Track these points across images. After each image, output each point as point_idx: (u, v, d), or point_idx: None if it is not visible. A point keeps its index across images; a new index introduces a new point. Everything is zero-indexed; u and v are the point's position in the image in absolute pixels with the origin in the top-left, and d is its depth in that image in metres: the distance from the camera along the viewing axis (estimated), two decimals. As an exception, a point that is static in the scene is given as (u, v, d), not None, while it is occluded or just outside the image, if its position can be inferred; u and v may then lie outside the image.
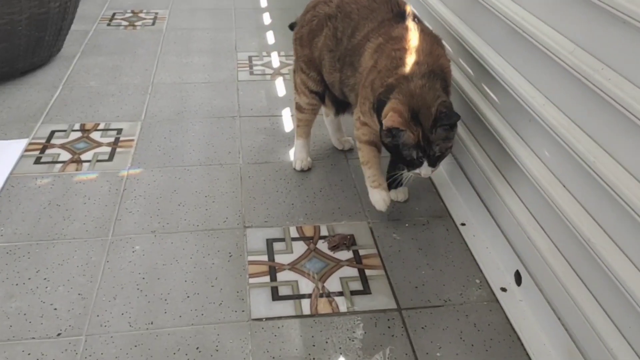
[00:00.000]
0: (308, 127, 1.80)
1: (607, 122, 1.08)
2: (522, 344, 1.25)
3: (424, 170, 1.38)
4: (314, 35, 1.65)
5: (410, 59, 1.41)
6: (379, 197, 1.56)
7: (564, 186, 1.20)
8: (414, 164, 1.38)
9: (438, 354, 1.23)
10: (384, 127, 1.36)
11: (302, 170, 1.80)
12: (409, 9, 1.56)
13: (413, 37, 1.46)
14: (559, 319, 1.20)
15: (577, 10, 1.16)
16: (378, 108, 1.40)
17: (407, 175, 1.44)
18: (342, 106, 1.74)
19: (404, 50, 1.43)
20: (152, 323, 1.28)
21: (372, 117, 1.46)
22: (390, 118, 1.33)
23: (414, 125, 1.33)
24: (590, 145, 1.11)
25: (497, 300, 1.36)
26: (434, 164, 1.38)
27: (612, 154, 1.07)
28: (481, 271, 1.44)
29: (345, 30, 1.57)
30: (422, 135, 1.33)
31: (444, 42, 1.55)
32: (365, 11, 1.55)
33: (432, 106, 1.33)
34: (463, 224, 1.60)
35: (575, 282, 1.15)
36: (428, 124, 1.33)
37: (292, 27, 1.80)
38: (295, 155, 1.83)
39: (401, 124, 1.32)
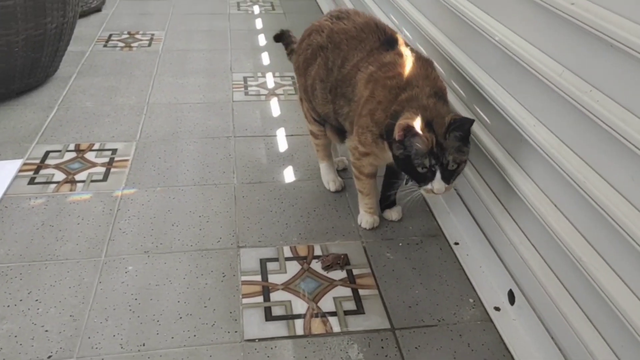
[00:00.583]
0: (327, 149, 1.81)
1: (596, 143, 1.10)
2: (515, 364, 1.25)
3: (437, 184, 1.33)
4: (308, 64, 1.66)
5: (409, 85, 1.41)
6: (370, 220, 1.64)
7: (555, 206, 1.21)
8: (426, 177, 1.33)
9: (432, 375, 1.22)
10: (396, 136, 1.33)
11: (336, 191, 1.81)
12: (397, 35, 1.58)
13: (406, 63, 1.47)
14: (552, 338, 1.20)
15: (565, 33, 1.19)
16: (387, 133, 1.39)
17: (416, 195, 1.39)
18: (344, 134, 1.70)
19: (400, 76, 1.43)
20: (144, 345, 1.27)
21: (376, 145, 1.45)
22: (404, 121, 1.31)
23: (427, 131, 1.32)
24: (580, 165, 1.13)
25: (491, 320, 1.36)
26: (447, 178, 1.33)
27: (601, 173, 1.08)
28: (475, 290, 1.45)
29: (335, 60, 1.57)
30: (436, 142, 1.31)
31: (435, 64, 1.57)
32: (354, 42, 1.55)
33: (445, 116, 1.34)
34: (456, 243, 1.60)
35: (568, 301, 1.15)
36: (441, 131, 1.31)
37: (276, 38, 1.82)
38: (324, 178, 1.84)
39: (415, 122, 1.31)
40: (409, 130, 1.32)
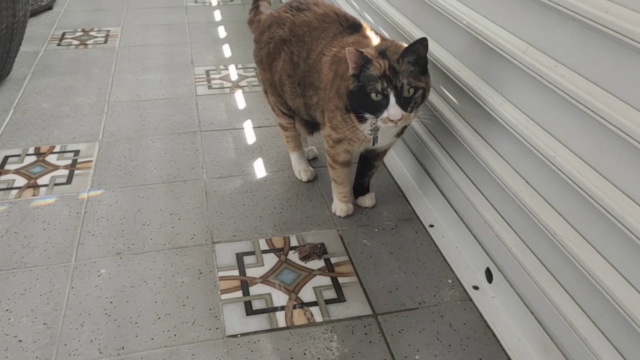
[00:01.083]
0: (297, 140, 1.79)
1: (563, 117, 1.11)
2: (498, 341, 1.27)
3: (392, 109, 1.28)
4: (273, 59, 1.64)
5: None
6: (344, 207, 1.64)
7: (527, 182, 1.23)
8: (380, 105, 1.29)
9: (417, 357, 1.23)
10: (350, 70, 1.31)
11: (308, 181, 1.79)
12: (360, 22, 1.57)
13: (371, 40, 1.46)
14: (532, 313, 1.22)
15: (527, 9, 1.20)
16: (349, 96, 1.36)
17: (375, 129, 1.36)
18: (313, 126, 1.69)
19: (362, 47, 1.41)
20: (123, 348, 1.24)
21: (346, 125, 1.43)
22: (354, 48, 1.29)
23: (380, 58, 1.30)
24: (549, 140, 1.14)
25: (471, 299, 1.38)
26: (404, 105, 1.29)
27: (570, 147, 1.10)
28: (452, 271, 1.46)
29: (300, 54, 1.56)
30: (388, 66, 1.28)
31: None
32: (317, 32, 1.54)
33: (401, 46, 1.33)
34: (431, 226, 1.62)
35: (545, 275, 1.17)
36: (395, 58, 1.30)
37: None
38: (295, 168, 1.82)
39: (366, 52, 1.30)
40: (360, 57, 1.29)
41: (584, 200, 1.04)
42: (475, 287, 1.40)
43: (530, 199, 1.20)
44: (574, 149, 1.09)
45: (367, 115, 1.35)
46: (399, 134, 1.48)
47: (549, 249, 1.15)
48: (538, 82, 1.16)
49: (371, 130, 1.38)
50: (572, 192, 1.07)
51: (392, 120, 1.30)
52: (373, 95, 1.30)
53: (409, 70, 1.30)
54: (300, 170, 1.80)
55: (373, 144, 1.43)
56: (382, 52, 1.31)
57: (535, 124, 1.20)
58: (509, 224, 1.30)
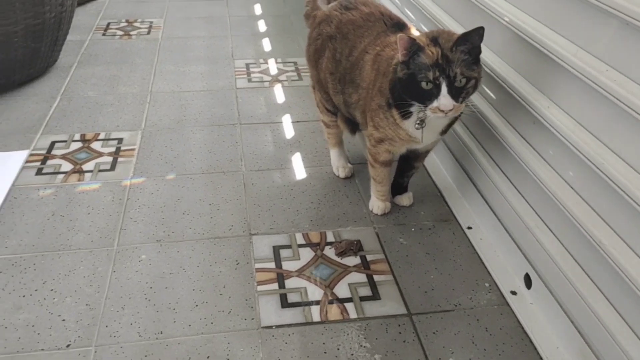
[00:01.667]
0: (339, 137, 1.80)
1: (613, 123, 1.09)
2: (534, 348, 1.25)
3: (443, 99, 1.25)
4: (319, 56, 1.65)
5: None
6: (381, 205, 1.64)
7: (573, 189, 1.21)
8: (431, 94, 1.26)
9: (451, 359, 1.22)
10: (400, 56, 1.28)
11: (346, 178, 1.79)
12: (404, 21, 1.56)
13: None
14: (571, 321, 1.21)
15: (578, 12, 1.18)
16: (392, 89, 1.34)
17: (421, 122, 1.33)
18: (355, 125, 1.68)
19: None
20: (161, 333, 1.26)
21: (387, 122, 1.43)
22: (405, 34, 1.26)
23: (432, 46, 1.26)
24: (598, 147, 1.12)
25: (508, 304, 1.36)
26: (455, 95, 1.26)
27: (620, 154, 1.08)
28: (490, 275, 1.45)
29: (343, 51, 1.56)
30: (441, 54, 1.25)
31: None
32: (361, 30, 1.55)
33: (454, 34, 1.30)
34: (469, 228, 1.60)
35: (587, 283, 1.15)
36: (448, 46, 1.26)
37: None
38: (334, 164, 1.82)
39: (418, 39, 1.27)
40: (411, 43, 1.26)
41: (632, 209, 1.02)
42: (513, 292, 1.39)
43: (576, 206, 1.18)
44: (623, 156, 1.07)
45: (413, 108, 1.33)
46: (444, 131, 1.47)
47: (593, 258, 1.13)
48: (588, 86, 1.14)
49: (417, 124, 1.37)
50: (620, 201, 1.05)
51: (442, 111, 1.27)
52: (423, 84, 1.27)
53: (462, 59, 1.26)
54: (339, 166, 1.81)
55: (422, 142, 1.42)
56: (433, 39, 1.29)
57: (583, 128, 1.18)
58: (551, 230, 1.28)
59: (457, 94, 1.27)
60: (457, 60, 1.26)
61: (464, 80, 1.27)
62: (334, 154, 1.83)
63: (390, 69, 1.38)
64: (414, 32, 1.50)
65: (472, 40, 1.27)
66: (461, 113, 1.37)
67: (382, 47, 1.47)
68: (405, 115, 1.37)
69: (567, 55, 1.20)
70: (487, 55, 1.53)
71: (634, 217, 1.03)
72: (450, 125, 1.46)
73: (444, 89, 1.26)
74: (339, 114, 1.71)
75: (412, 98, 1.32)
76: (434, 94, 1.27)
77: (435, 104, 1.27)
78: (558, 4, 1.25)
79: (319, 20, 1.67)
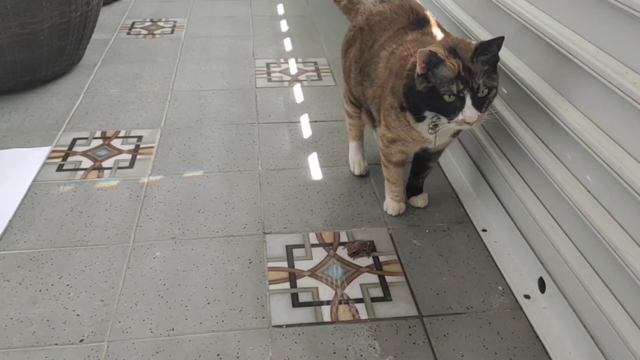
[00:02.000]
0: (359, 130, 1.79)
1: (633, 127, 1.06)
2: (546, 352, 1.23)
3: (469, 111, 1.23)
4: (349, 46, 1.66)
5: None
6: (396, 206, 1.63)
7: (589, 191, 1.18)
8: (455, 107, 1.24)
9: (461, 362, 1.21)
10: (418, 70, 1.26)
11: (360, 175, 1.79)
12: (429, 16, 1.55)
13: (430, 39, 1.44)
14: (585, 326, 1.18)
15: (599, 13, 1.15)
16: (406, 91, 1.33)
17: (434, 127, 1.31)
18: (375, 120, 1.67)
19: (420, 46, 1.36)
20: (173, 329, 1.28)
21: (400, 123, 1.42)
22: (424, 49, 1.23)
23: (452, 58, 1.24)
24: (616, 150, 1.10)
25: (521, 308, 1.34)
26: (479, 106, 1.24)
27: (638, 158, 1.05)
28: (503, 278, 1.43)
29: (367, 42, 1.57)
30: (462, 67, 1.23)
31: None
32: (385, 22, 1.54)
33: (471, 44, 1.27)
34: (484, 230, 1.58)
35: (601, 289, 1.13)
36: (468, 56, 1.24)
37: None
38: (351, 159, 1.82)
39: (438, 52, 1.24)
40: (431, 57, 1.24)
41: (649, 215, 0.99)
42: (527, 296, 1.36)
43: (592, 209, 1.15)
44: (641, 160, 1.04)
45: (427, 112, 1.32)
46: (455, 133, 1.45)
47: (608, 263, 1.11)
48: (607, 88, 1.11)
49: (430, 128, 1.36)
50: (638, 205, 1.02)
51: (468, 123, 1.25)
52: (446, 97, 1.25)
53: (483, 70, 1.24)
54: (355, 161, 1.80)
55: (435, 145, 1.41)
56: (452, 50, 1.26)
57: (601, 132, 1.15)
58: (566, 234, 1.26)
59: (481, 104, 1.26)
60: (479, 71, 1.24)
61: (486, 91, 1.25)
62: (352, 148, 1.82)
63: (404, 73, 1.36)
64: (434, 30, 1.48)
65: (491, 49, 1.26)
66: None
67: (397, 45, 1.45)
68: (420, 118, 1.36)
69: (587, 57, 1.17)
70: (506, 56, 1.51)
71: (650, 223, 1.00)
72: None
73: (468, 101, 1.24)
74: (362, 108, 1.70)
75: (434, 110, 1.30)
76: (458, 106, 1.25)
77: (460, 116, 1.25)
78: (578, 4, 1.23)
79: (357, 13, 1.67)
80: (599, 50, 1.16)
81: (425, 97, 1.29)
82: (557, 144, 1.31)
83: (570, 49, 1.22)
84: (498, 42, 1.25)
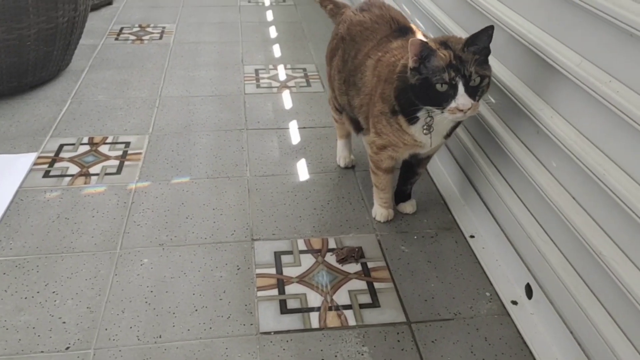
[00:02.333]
0: (346, 130, 1.83)
1: (616, 135, 1.08)
2: (534, 358, 1.24)
3: (461, 98, 1.24)
4: (333, 54, 1.68)
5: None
6: (384, 213, 1.64)
7: (574, 198, 1.20)
8: (448, 96, 1.25)
9: (448, 368, 1.22)
10: (411, 62, 1.28)
11: (346, 167, 1.88)
12: (412, 26, 1.56)
13: None
14: (571, 332, 1.19)
15: (583, 23, 1.17)
16: (399, 97, 1.35)
17: (429, 127, 1.34)
18: (358, 124, 1.68)
19: (403, 55, 1.40)
20: (160, 337, 1.27)
21: (391, 128, 1.44)
22: (416, 39, 1.26)
23: (443, 48, 1.27)
24: (599, 157, 1.11)
25: (508, 314, 1.35)
26: (472, 94, 1.25)
27: (622, 166, 1.07)
28: (491, 284, 1.44)
29: (350, 52, 1.59)
30: (454, 55, 1.25)
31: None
32: (367, 32, 1.56)
33: (461, 39, 1.30)
34: (472, 236, 1.59)
35: (587, 295, 1.14)
36: (458, 47, 1.27)
37: None
38: (338, 153, 1.90)
39: (430, 43, 1.27)
40: (422, 47, 1.26)
41: (632, 222, 1.01)
42: (514, 302, 1.37)
43: (577, 216, 1.17)
44: (625, 168, 1.06)
45: (420, 114, 1.35)
46: (448, 134, 1.46)
47: (593, 269, 1.12)
48: (591, 96, 1.13)
49: (425, 129, 1.38)
50: (621, 212, 1.04)
51: (461, 110, 1.26)
52: (439, 86, 1.26)
53: (474, 59, 1.26)
54: (341, 156, 1.88)
55: (430, 146, 1.43)
56: (442, 42, 1.29)
57: (585, 139, 1.17)
58: (552, 240, 1.27)
59: (474, 92, 1.27)
60: (470, 59, 1.26)
61: (478, 79, 1.27)
62: (339, 145, 1.89)
63: (394, 76, 1.38)
64: (421, 37, 1.50)
65: (481, 40, 1.28)
66: None
67: (383, 53, 1.47)
68: (412, 120, 1.38)
69: (570, 66, 1.19)
70: (492, 63, 1.52)
71: (633, 229, 1.01)
72: (454, 128, 1.46)
73: (460, 88, 1.25)
74: (344, 112, 1.73)
75: (427, 103, 1.31)
76: (451, 94, 1.26)
77: (453, 104, 1.26)
78: (563, 13, 1.24)
79: (339, 21, 1.70)
80: (582, 59, 1.17)
81: (418, 90, 1.30)
82: (542, 150, 1.32)
83: (554, 58, 1.24)
84: (488, 32, 1.27)
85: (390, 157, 1.53)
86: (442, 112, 1.29)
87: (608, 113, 1.08)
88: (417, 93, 1.31)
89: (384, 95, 1.42)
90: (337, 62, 1.64)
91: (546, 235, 1.29)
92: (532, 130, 1.35)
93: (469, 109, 1.26)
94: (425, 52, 1.27)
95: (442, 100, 1.28)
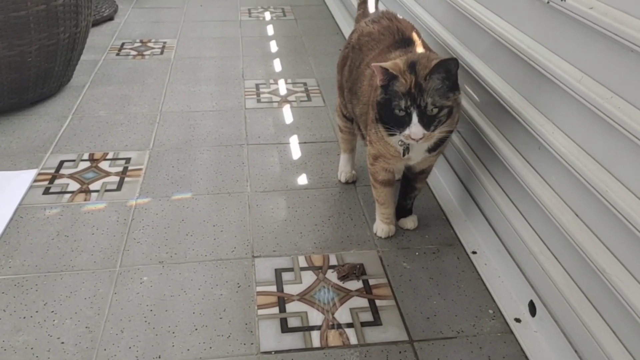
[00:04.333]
0: (351, 144, 1.84)
1: (618, 151, 1.07)
2: (537, 377, 1.22)
3: (414, 128, 1.27)
4: (344, 63, 1.71)
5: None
6: (385, 228, 1.63)
7: (577, 215, 1.19)
8: (404, 122, 1.29)
9: (451, 388, 1.20)
10: (378, 81, 1.33)
11: (346, 183, 1.86)
12: (415, 36, 1.57)
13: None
14: (576, 351, 1.18)
15: (584, 38, 1.16)
16: (377, 106, 1.37)
17: (398, 142, 1.38)
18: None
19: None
20: (159, 357, 1.26)
21: (377, 137, 1.45)
22: (381, 63, 1.30)
23: (408, 73, 1.29)
24: (602, 174, 1.10)
25: (512, 332, 1.33)
26: (427, 124, 1.28)
27: (624, 182, 1.06)
28: (494, 301, 1.42)
29: (355, 62, 1.62)
30: (415, 83, 1.28)
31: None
32: (372, 43, 1.59)
33: (433, 60, 1.30)
34: (474, 252, 1.58)
35: (592, 313, 1.12)
36: (423, 73, 1.28)
37: None
38: (340, 168, 1.89)
39: (392, 68, 1.30)
40: (384, 72, 1.30)
41: (636, 239, 1.00)
42: (517, 320, 1.36)
43: (579, 232, 1.16)
44: (628, 185, 1.05)
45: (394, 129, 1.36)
46: (431, 149, 1.44)
47: (597, 286, 1.11)
48: (592, 112, 1.12)
49: (400, 142, 1.39)
50: (624, 229, 1.03)
51: (413, 139, 1.30)
52: (397, 111, 1.30)
53: (435, 88, 1.28)
54: (343, 171, 1.87)
55: (403, 155, 1.42)
56: (411, 64, 1.30)
57: (587, 155, 1.16)
58: (555, 257, 1.26)
59: (429, 122, 1.29)
60: (430, 89, 1.28)
61: (435, 110, 1.29)
62: (342, 159, 1.88)
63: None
64: (418, 50, 1.50)
65: (448, 68, 1.29)
66: (449, 133, 1.37)
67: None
68: (390, 133, 1.39)
69: (571, 82, 1.19)
70: (493, 79, 1.53)
71: (637, 247, 1.00)
72: (439, 144, 1.44)
73: (414, 118, 1.28)
74: (355, 121, 1.73)
75: (388, 122, 1.35)
76: (406, 121, 1.30)
77: (407, 131, 1.30)
78: (564, 30, 1.24)
79: (353, 30, 1.73)
80: (583, 74, 1.17)
81: (382, 108, 1.35)
82: (543, 166, 1.31)
83: (555, 74, 1.24)
84: (454, 62, 1.29)
85: (384, 168, 1.53)
86: (399, 135, 1.33)
87: (610, 129, 1.08)
88: (381, 110, 1.36)
89: (373, 104, 1.44)
90: (346, 71, 1.67)
91: (549, 251, 1.28)
92: (534, 145, 1.34)
93: (420, 138, 1.29)
94: (388, 76, 1.31)
95: (399, 124, 1.31)
